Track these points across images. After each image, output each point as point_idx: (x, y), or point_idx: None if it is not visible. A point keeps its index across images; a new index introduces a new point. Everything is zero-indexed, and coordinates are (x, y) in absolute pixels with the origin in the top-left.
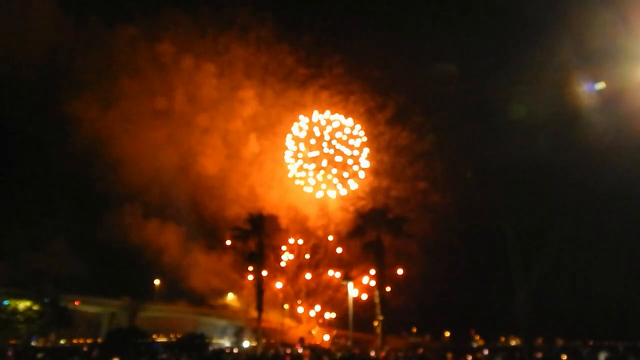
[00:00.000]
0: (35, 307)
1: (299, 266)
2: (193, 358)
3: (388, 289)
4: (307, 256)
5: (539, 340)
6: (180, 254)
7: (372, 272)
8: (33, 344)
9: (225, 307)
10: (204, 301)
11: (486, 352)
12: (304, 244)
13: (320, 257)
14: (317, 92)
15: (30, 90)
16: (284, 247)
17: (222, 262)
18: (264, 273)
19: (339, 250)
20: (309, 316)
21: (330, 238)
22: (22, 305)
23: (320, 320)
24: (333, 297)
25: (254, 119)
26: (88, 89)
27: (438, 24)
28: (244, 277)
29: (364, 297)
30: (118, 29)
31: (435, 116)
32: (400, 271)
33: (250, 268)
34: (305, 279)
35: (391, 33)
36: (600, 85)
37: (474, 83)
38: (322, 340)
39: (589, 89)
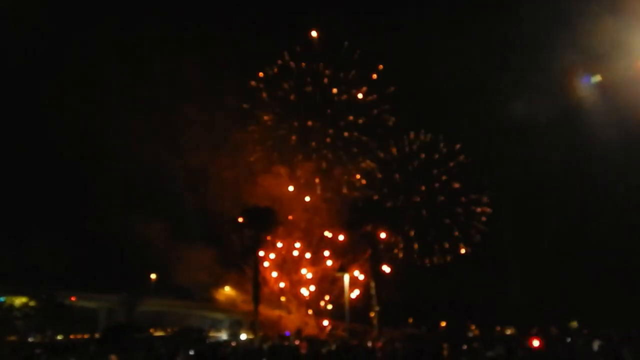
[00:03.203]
0: (32, 303)
1: (285, 258)
2: (191, 351)
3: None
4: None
5: (534, 330)
6: (166, 248)
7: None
8: (30, 340)
9: (217, 300)
10: (192, 295)
11: (482, 343)
12: (290, 236)
13: (305, 248)
14: None
15: (7, 82)
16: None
17: (208, 255)
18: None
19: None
20: (300, 306)
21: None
22: (19, 301)
23: (312, 311)
24: (326, 288)
25: (238, 110)
26: (68, 80)
27: (431, 23)
28: (235, 271)
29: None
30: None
31: (430, 115)
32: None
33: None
34: (294, 270)
35: (390, 32)
36: (596, 79)
37: (469, 81)
38: (319, 331)
39: (585, 83)
